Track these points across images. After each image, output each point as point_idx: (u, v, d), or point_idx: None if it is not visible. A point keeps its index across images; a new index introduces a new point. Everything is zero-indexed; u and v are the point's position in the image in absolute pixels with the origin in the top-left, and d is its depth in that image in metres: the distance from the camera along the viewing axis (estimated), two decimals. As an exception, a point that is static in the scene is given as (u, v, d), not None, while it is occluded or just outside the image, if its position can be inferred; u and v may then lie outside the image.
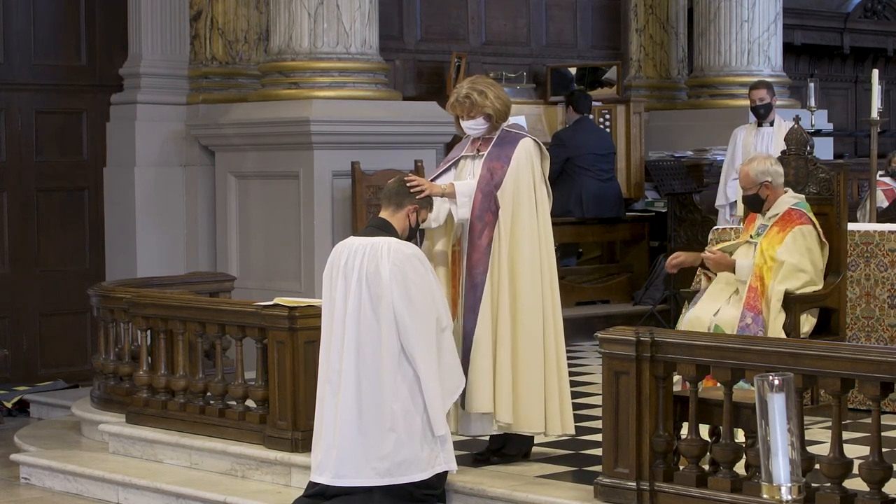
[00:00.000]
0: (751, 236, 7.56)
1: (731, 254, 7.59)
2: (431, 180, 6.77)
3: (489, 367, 6.56)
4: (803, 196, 7.59)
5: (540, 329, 6.62)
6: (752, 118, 11.35)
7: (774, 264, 7.29)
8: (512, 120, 6.87)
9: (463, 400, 6.58)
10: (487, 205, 6.60)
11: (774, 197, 7.48)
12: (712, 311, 7.33)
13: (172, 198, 10.84)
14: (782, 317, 7.28)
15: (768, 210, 7.50)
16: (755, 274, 7.30)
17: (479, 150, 6.77)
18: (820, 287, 7.43)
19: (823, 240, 7.46)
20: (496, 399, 6.59)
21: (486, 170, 6.65)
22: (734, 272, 7.42)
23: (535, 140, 6.77)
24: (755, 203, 7.52)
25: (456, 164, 6.86)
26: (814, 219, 7.44)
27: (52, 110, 10.87)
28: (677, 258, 7.66)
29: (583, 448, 7.05)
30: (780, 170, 7.58)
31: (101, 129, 11.02)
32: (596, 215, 11.76)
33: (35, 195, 10.76)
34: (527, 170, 6.66)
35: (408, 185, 6.53)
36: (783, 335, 7.17)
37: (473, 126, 6.74)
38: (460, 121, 6.77)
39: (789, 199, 7.50)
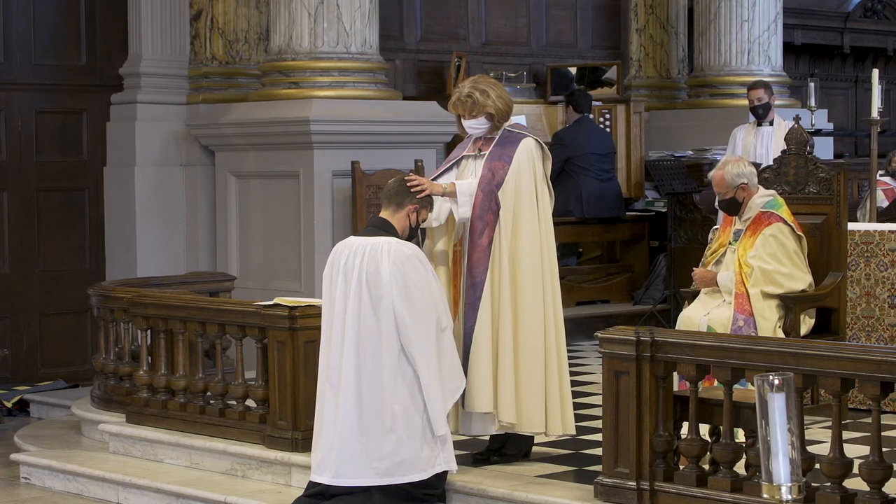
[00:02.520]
0: (729, 242, 7.57)
1: (721, 258, 7.59)
2: (432, 179, 6.77)
3: (489, 367, 6.56)
4: (774, 192, 7.58)
5: (541, 329, 6.62)
6: (752, 118, 11.35)
7: (749, 269, 7.32)
8: (513, 120, 6.88)
9: (463, 399, 6.58)
10: (488, 204, 6.60)
11: (749, 198, 7.50)
12: (704, 312, 7.36)
13: (172, 198, 10.84)
14: (772, 316, 7.30)
15: (743, 213, 7.51)
16: (738, 281, 7.33)
17: (480, 150, 6.78)
18: (810, 280, 7.44)
19: (799, 233, 7.46)
20: (498, 399, 6.59)
21: (488, 169, 6.66)
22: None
23: (536, 140, 6.77)
24: (732, 207, 7.53)
25: (458, 163, 6.86)
26: (785, 215, 7.43)
27: (52, 110, 10.87)
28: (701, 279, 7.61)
29: (583, 448, 7.05)
30: (754, 170, 7.60)
31: (101, 129, 11.02)
32: (596, 215, 11.76)
33: (35, 195, 10.76)
34: (528, 170, 6.66)
35: (408, 184, 6.53)
36: (774, 334, 7.19)
37: (475, 125, 6.74)
38: (462, 120, 6.77)
39: (760, 200, 7.50)
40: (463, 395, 6.55)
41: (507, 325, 6.59)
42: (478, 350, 6.56)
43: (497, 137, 6.74)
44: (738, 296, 7.30)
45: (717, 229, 8.59)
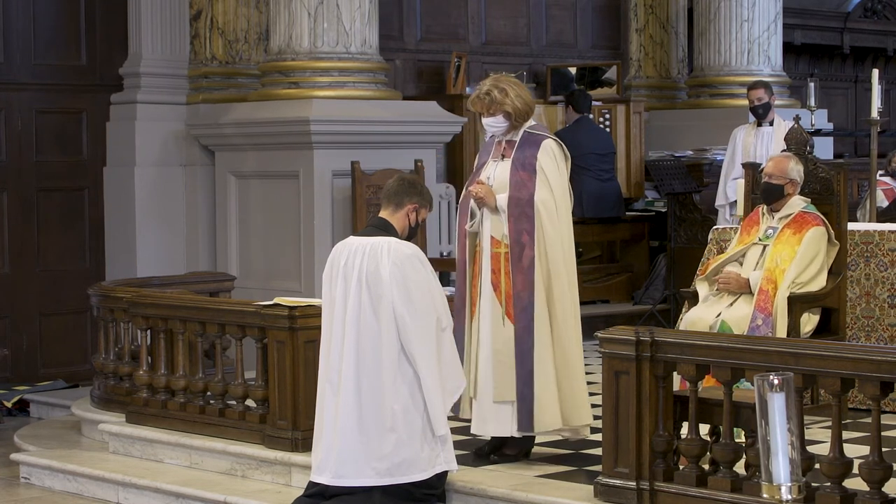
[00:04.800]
0: (759, 238, 7.54)
1: (742, 258, 7.56)
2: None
3: (553, 385, 6.64)
4: (808, 199, 7.60)
5: (576, 335, 6.73)
6: (752, 118, 11.35)
7: (789, 264, 7.28)
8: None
9: (528, 421, 6.65)
10: (522, 225, 6.63)
11: (791, 197, 7.51)
12: (714, 312, 7.32)
13: (172, 198, 10.83)
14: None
15: (779, 210, 7.50)
16: (766, 277, 7.28)
17: (503, 156, 6.79)
18: (823, 284, 7.44)
19: (835, 241, 7.48)
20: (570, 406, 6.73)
21: (514, 186, 6.66)
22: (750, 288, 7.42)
23: (556, 141, 6.77)
24: (775, 194, 7.49)
25: (479, 171, 6.89)
26: (825, 220, 7.46)
27: (52, 110, 10.86)
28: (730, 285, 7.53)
29: (583, 448, 7.05)
30: None
31: (101, 129, 11.01)
32: (596, 215, 11.76)
33: (35, 195, 10.76)
34: (553, 173, 6.69)
35: (471, 189, 6.68)
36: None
37: (493, 123, 6.77)
38: (481, 117, 6.83)
39: (800, 202, 7.52)
40: (528, 416, 6.63)
41: (548, 337, 6.68)
42: (542, 370, 6.62)
43: (518, 140, 6.76)
44: (761, 292, 7.25)
45: (717, 229, 8.60)
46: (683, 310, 7.75)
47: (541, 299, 6.63)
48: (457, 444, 6.60)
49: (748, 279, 7.40)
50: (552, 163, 6.68)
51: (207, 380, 7.81)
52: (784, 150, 7.93)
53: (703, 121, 13.06)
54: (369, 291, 6.30)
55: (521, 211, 6.63)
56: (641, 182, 12.56)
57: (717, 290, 7.51)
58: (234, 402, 7.65)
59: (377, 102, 10.24)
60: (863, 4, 16.48)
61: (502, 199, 6.68)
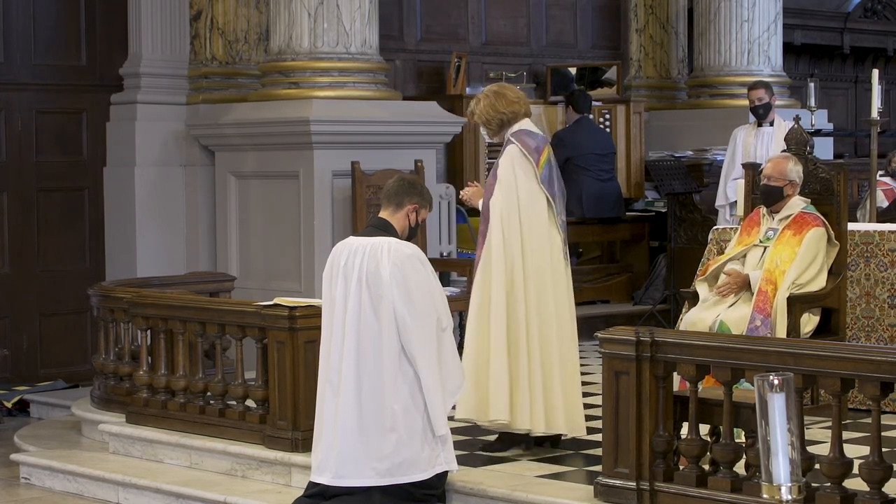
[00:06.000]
0: (760, 240, 7.54)
1: (743, 259, 7.56)
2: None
3: (468, 379, 6.68)
4: (808, 200, 7.60)
5: (498, 337, 6.72)
6: (752, 118, 11.35)
7: (789, 265, 7.29)
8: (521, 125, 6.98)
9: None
10: (482, 228, 6.87)
11: (791, 198, 7.51)
12: (714, 313, 7.33)
13: (172, 198, 10.83)
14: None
15: (779, 211, 7.50)
16: (765, 278, 7.29)
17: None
18: (823, 284, 7.44)
19: (835, 241, 7.48)
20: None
21: (486, 190, 6.90)
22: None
23: (519, 146, 6.86)
24: (774, 195, 7.50)
25: None
26: (825, 220, 7.47)
27: (52, 110, 10.86)
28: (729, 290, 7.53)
29: (583, 448, 7.05)
30: None
31: (101, 129, 11.01)
32: (596, 215, 11.76)
33: (35, 195, 10.76)
34: (508, 179, 6.80)
35: (461, 193, 6.99)
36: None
37: (483, 134, 7.13)
38: None
39: (800, 202, 7.53)
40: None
41: (472, 334, 6.78)
42: (465, 363, 6.69)
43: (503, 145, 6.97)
44: (760, 292, 7.26)
45: (717, 229, 8.60)
46: (683, 310, 7.76)
47: (475, 300, 6.78)
48: (457, 445, 6.60)
49: (748, 275, 7.40)
50: (508, 167, 6.83)
51: (207, 380, 7.81)
52: (784, 151, 7.93)
53: (703, 121, 13.05)
54: (369, 291, 6.30)
55: (484, 215, 6.85)
56: (641, 182, 12.56)
57: (716, 295, 7.51)
58: (234, 403, 7.65)
59: (377, 103, 10.24)
60: (863, 4, 16.48)
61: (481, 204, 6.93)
